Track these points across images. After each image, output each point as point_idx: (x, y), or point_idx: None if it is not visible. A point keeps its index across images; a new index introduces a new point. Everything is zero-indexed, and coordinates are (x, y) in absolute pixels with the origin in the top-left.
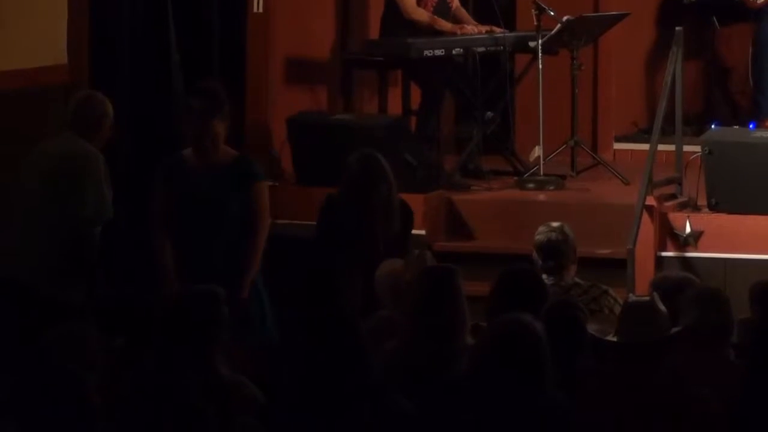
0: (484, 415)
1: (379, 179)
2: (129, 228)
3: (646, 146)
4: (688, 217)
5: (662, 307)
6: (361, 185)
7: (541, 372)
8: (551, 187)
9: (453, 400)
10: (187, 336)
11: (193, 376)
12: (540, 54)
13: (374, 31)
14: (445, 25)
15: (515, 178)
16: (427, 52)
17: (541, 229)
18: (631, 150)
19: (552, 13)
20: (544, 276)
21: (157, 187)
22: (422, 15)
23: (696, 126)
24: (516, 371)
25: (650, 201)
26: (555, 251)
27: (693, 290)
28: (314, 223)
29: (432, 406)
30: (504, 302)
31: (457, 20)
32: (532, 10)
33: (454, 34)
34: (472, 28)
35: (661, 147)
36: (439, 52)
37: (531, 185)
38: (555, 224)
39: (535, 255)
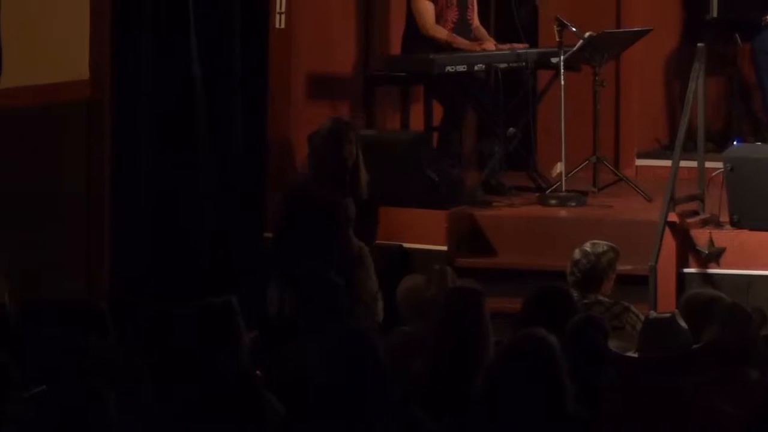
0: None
1: (346, 141)
2: (149, 240)
3: (668, 163)
4: (711, 233)
5: (683, 324)
6: (330, 147)
7: (557, 386)
8: (573, 204)
9: (471, 416)
10: (205, 345)
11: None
12: (562, 70)
13: (396, 48)
14: (463, 42)
15: (537, 194)
16: (449, 68)
17: (585, 246)
18: (654, 166)
19: (574, 30)
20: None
21: None
22: (440, 32)
23: (718, 142)
24: (531, 385)
25: (672, 217)
26: (591, 270)
27: (714, 307)
28: None
29: (452, 422)
30: (532, 319)
31: (477, 39)
32: (555, 27)
33: (473, 51)
34: (491, 46)
35: (683, 163)
36: (461, 68)
37: (553, 201)
38: (600, 243)
39: (571, 269)
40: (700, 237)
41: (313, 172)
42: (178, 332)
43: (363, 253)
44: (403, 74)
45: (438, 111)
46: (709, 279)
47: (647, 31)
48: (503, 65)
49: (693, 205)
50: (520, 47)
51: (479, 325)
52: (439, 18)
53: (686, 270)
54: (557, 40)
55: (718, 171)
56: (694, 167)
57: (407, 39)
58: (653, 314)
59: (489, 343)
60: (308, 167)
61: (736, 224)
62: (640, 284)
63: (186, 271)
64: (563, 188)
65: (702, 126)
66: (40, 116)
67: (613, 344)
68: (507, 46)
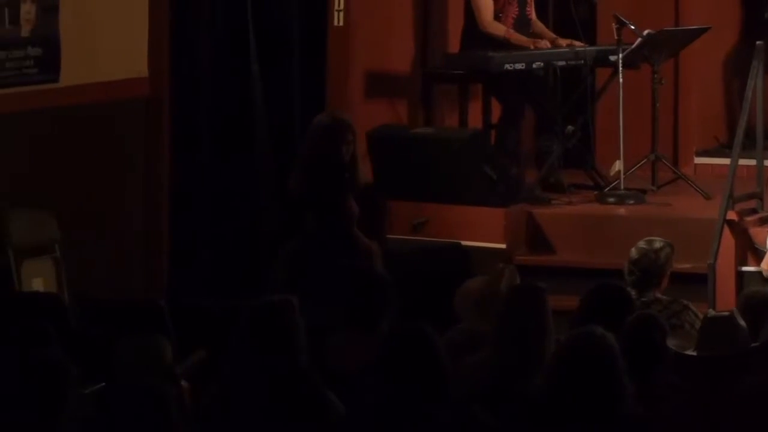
0: (559, 429)
1: (344, 143)
2: (208, 238)
3: (727, 161)
4: None
5: (742, 322)
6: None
7: (616, 384)
8: (632, 202)
9: (531, 414)
10: (264, 345)
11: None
12: (620, 68)
13: (454, 45)
14: (520, 38)
15: (596, 192)
16: (507, 66)
17: (641, 244)
18: (712, 164)
19: (633, 27)
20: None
21: None
22: (498, 29)
23: None
24: (589, 384)
25: (731, 216)
26: (650, 268)
27: None
28: (394, 236)
29: (512, 419)
30: (590, 317)
31: (535, 33)
32: (613, 24)
33: (529, 48)
34: (546, 44)
35: (742, 162)
36: (519, 66)
37: (611, 199)
38: (655, 240)
39: (630, 268)
40: (759, 235)
41: (310, 171)
42: (237, 331)
43: (373, 249)
44: (462, 72)
45: (496, 109)
46: None
47: (706, 29)
48: (561, 63)
49: (752, 203)
50: (579, 45)
51: (542, 322)
52: (500, 14)
53: (745, 268)
54: (616, 38)
55: None
56: (753, 165)
57: (466, 36)
58: (712, 312)
59: (551, 342)
60: (303, 165)
61: None
62: (698, 282)
63: (244, 270)
64: (622, 186)
65: (761, 124)
66: (99, 114)
67: (671, 343)
68: (566, 41)
